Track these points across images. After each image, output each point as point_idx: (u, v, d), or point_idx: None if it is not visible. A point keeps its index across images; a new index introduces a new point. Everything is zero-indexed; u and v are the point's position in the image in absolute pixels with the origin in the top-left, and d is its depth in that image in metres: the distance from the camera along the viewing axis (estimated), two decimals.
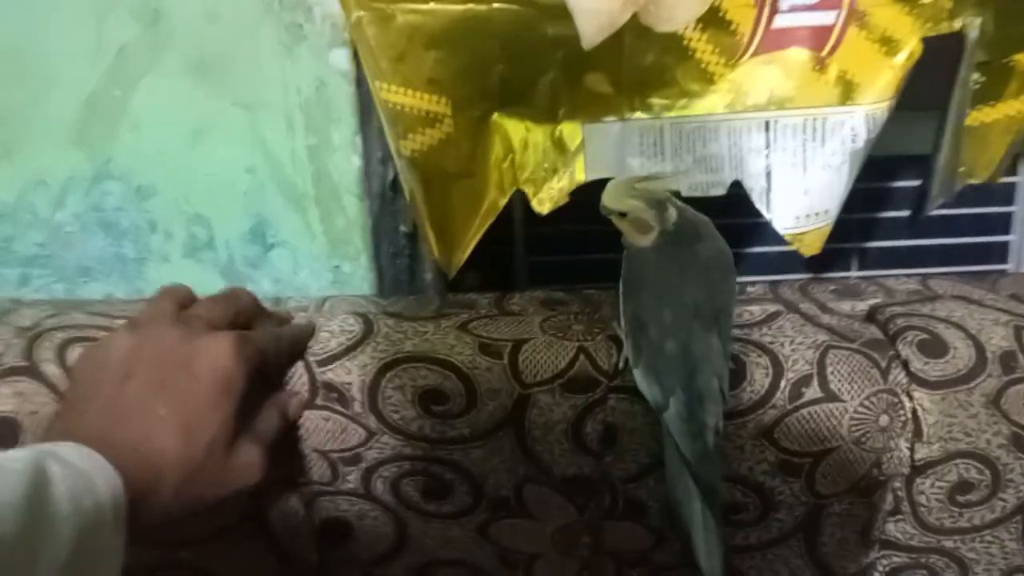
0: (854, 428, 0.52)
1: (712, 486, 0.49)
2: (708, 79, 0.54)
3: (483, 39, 0.52)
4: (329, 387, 0.51)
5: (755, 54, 0.53)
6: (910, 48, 0.53)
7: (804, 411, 0.52)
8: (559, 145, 0.56)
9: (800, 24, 0.53)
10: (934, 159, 0.57)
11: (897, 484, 0.53)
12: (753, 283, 0.60)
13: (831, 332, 0.54)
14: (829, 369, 0.52)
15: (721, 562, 0.50)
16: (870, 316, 0.56)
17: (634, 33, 0.52)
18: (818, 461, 0.53)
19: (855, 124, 0.54)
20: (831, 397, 0.52)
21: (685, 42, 0.53)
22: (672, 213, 0.48)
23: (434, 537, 0.56)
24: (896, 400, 0.52)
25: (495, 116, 0.55)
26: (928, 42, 0.52)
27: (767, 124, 0.55)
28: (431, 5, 0.51)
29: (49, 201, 0.56)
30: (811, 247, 0.57)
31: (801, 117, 0.55)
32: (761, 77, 0.54)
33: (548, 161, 0.56)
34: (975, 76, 0.53)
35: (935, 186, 0.57)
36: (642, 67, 0.53)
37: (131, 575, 0.37)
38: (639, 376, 0.49)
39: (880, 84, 0.53)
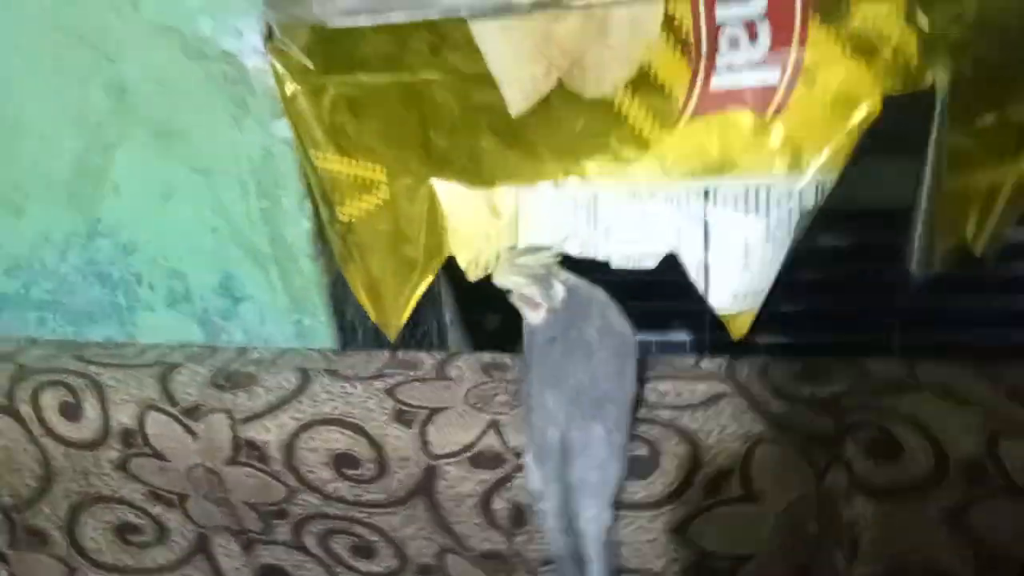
0: (776, 534, 0.46)
1: None
2: (643, 144, 0.51)
3: (413, 108, 0.52)
4: (251, 444, 0.54)
5: (693, 116, 0.49)
6: (867, 108, 0.47)
7: (721, 510, 0.47)
8: (494, 211, 0.54)
9: (741, 84, 0.48)
10: (912, 226, 0.50)
11: None
12: (711, 359, 0.55)
13: (772, 423, 0.49)
14: (755, 466, 0.47)
15: None
16: (827, 405, 0.50)
17: (562, 99, 0.51)
18: (736, 568, 0.48)
19: (803, 193, 0.49)
20: (751, 497, 0.47)
21: (616, 107, 0.50)
22: (558, 290, 0.46)
23: None
24: (830, 507, 0.46)
25: (430, 182, 0.55)
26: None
27: (706, 192, 0.51)
28: (360, 77, 0.52)
29: (54, 254, 0.63)
30: (740, 330, 0.52)
31: (743, 186, 0.50)
32: (699, 141, 0.50)
33: (482, 227, 0.55)
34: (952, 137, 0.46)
35: (916, 256, 0.50)
36: (573, 133, 0.51)
37: None
38: (527, 461, 0.47)
39: (832, 148, 0.48)
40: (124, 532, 0.59)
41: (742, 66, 0.48)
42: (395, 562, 0.56)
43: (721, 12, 0.47)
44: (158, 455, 0.55)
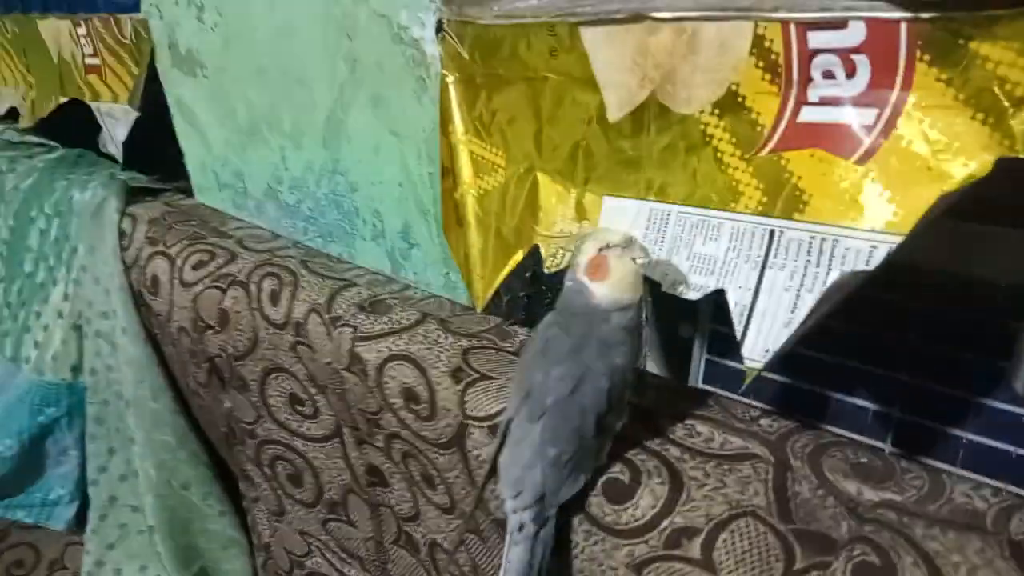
0: None
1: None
2: (722, 170, 0.47)
3: (534, 103, 0.56)
4: (358, 359, 0.65)
5: (775, 150, 0.45)
6: (971, 168, 0.37)
7: (676, 565, 0.44)
8: (580, 212, 0.56)
9: (830, 120, 0.42)
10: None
11: None
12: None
13: (775, 504, 0.43)
14: (723, 536, 0.43)
15: None
16: (857, 511, 0.42)
17: (654, 112, 0.50)
18: None
19: (872, 254, 0.41)
20: (706, 566, 0.43)
21: (702, 126, 0.48)
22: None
23: None
24: None
25: (536, 173, 0.58)
26: None
27: (771, 233, 0.45)
28: (499, 70, 0.58)
29: (313, 180, 0.81)
30: (746, 382, 0.46)
31: (809, 234, 0.44)
32: (777, 177, 0.45)
33: (566, 225, 0.57)
34: None
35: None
36: (660, 147, 0.50)
37: None
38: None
39: (919, 208, 0.39)
40: (293, 401, 0.76)
41: (835, 101, 0.42)
42: (447, 499, 0.63)
43: (814, 38, 0.41)
44: (311, 347, 0.70)
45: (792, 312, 0.44)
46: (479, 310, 0.66)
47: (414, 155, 0.68)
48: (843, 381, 0.58)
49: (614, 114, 0.52)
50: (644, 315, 0.51)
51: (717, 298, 0.55)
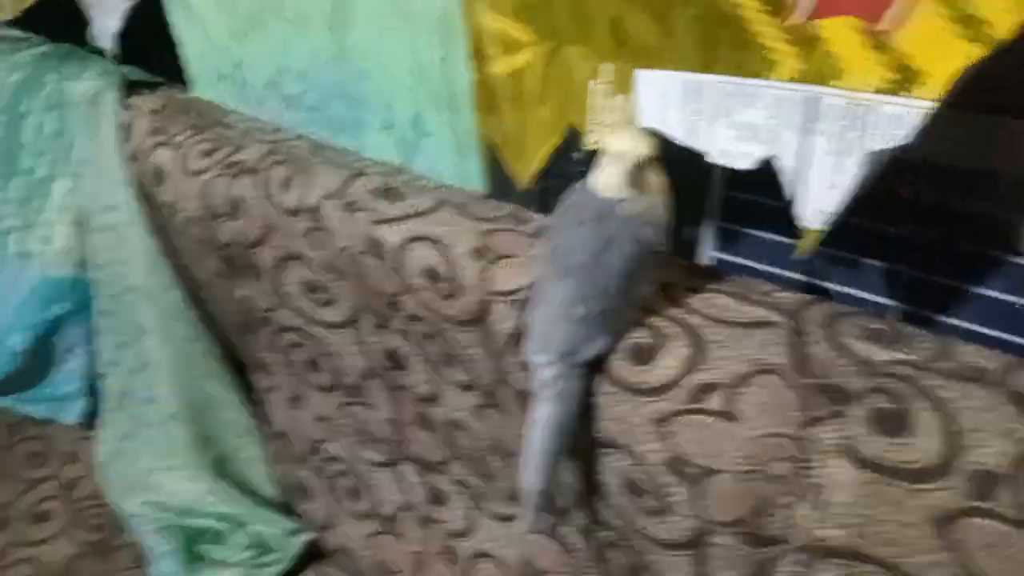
0: (742, 461, 0.45)
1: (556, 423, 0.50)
2: (754, 39, 0.48)
3: None
4: (375, 241, 0.66)
5: (805, 16, 0.45)
6: (1003, 32, 0.38)
7: (698, 416, 0.47)
8: (617, 86, 0.56)
9: None
10: None
11: (798, 557, 0.45)
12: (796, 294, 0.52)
13: (792, 362, 0.46)
14: (743, 390, 0.46)
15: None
16: (870, 367, 0.45)
17: None
18: (702, 478, 0.47)
19: (905, 122, 0.42)
20: (728, 416, 0.46)
21: None
22: (640, 183, 0.48)
23: None
24: (802, 458, 0.43)
25: (566, 49, 0.58)
26: None
27: (808, 100, 0.46)
28: None
29: (319, 69, 0.80)
30: (805, 248, 0.48)
31: (846, 100, 0.44)
32: (809, 45, 0.45)
33: (599, 99, 0.57)
34: None
35: None
36: (690, 17, 0.50)
37: None
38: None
39: (953, 76, 0.40)
40: (309, 288, 0.77)
41: None
42: (466, 377, 0.66)
43: None
44: (326, 232, 0.70)
45: (834, 175, 0.46)
46: (521, 189, 0.66)
47: (425, 39, 0.67)
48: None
49: None
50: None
51: (725, 194, 0.56)
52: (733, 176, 0.59)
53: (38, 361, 1.13)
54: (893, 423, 0.41)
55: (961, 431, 0.40)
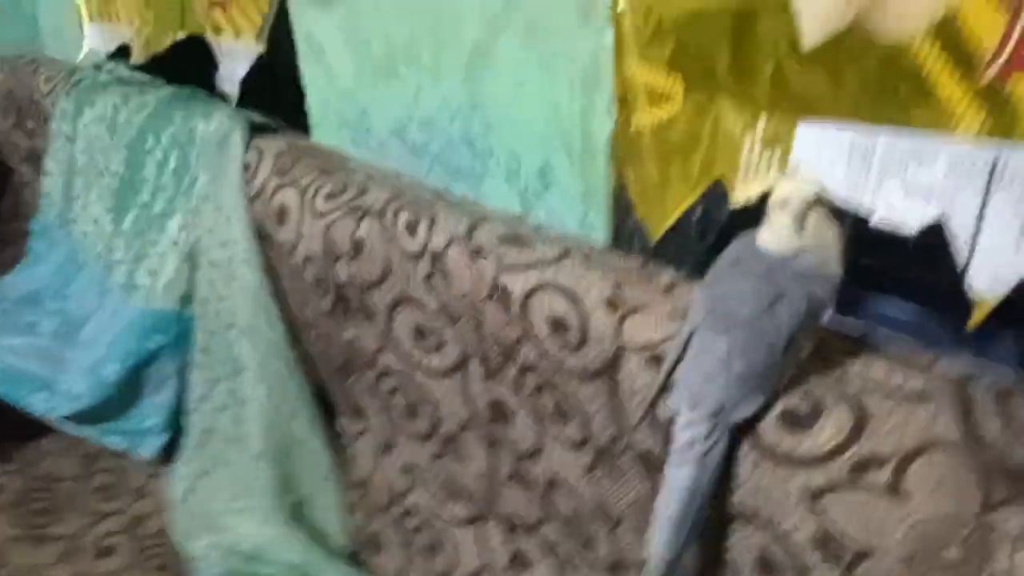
0: (908, 544, 0.41)
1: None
2: (937, 98, 0.46)
3: (717, 28, 0.56)
4: (503, 288, 0.65)
5: (999, 74, 0.43)
6: None
7: (861, 495, 0.43)
8: (771, 140, 0.55)
9: None
10: None
11: None
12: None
13: (968, 439, 0.42)
14: (913, 467, 0.42)
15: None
16: None
17: (855, 38, 0.49)
18: (857, 561, 0.43)
19: None
20: (894, 492, 0.42)
21: (912, 54, 0.46)
22: (808, 228, 0.47)
23: None
24: (981, 545, 0.39)
25: (720, 101, 0.57)
26: None
27: (995, 160, 0.44)
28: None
29: (446, 118, 0.82)
30: (978, 318, 0.44)
31: None
32: (1000, 103, 0.43)
33: (754, 153, 0.56)
34: None
35: None
36: (864, 74, 0.49)
37: None
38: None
39: None
40: (418, 334, 0.76)
41: None
42: (581, 433, 0.63)
43: None
44: (447, 277, 0.70)
45: (1019, 239, 0.43)
46: (652, 243, 0.65)
47: (565, 89, 0.68)
48: None
49: (811, 39, 0.51)
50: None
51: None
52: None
53: (129, 391, 1.14)
54: None
55: None
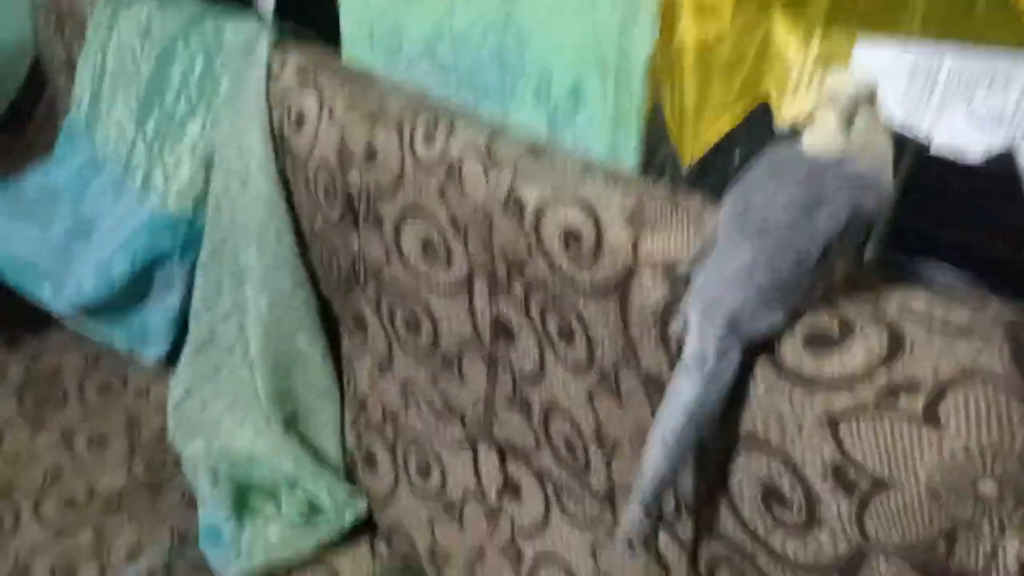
0: (938, 476, 0.39)
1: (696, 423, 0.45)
2: (1015, 11, 0.43)
3: None
4: (517, 200, 0.64)
5: None
6: None
7: (888, 417, 0.41)
8: (826, 58, 0.52)
9: None
10: None
11: None
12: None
13: (1015, 374, 0.40)
14: (952, 396, 0.40)
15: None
16: None
17: None
18: (874, 492, 0.42)
19: None
20: (933, 420, 0.40)
21: None
22: (859, 127, 0.44)
23: None
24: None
25: (772, 14, 0.54)
26: None
27: None
28: None
29: (480, 35, 0.79)
30: None
31: None
32: None
33: (805, 71, 0.53)
34: None
35: None
36: None
37: None
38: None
39: None
40: (427, 247, 0.75)
41: None
42: (583, 354, 0.62)
43: None
44: (462, 187, 0.69)
45: None
46: (686, 171, 0.63)
47: (607, 3, 0.66)
48: None
49: None
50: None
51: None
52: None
53: (135, 291, 1.14)
54: None
55: None
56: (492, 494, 0.80)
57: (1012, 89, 0.43)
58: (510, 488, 0.78)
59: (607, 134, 0.69)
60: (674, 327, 0.47)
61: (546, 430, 0.70)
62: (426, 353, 0.80)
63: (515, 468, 0.77)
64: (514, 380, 0.72)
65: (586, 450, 0.66)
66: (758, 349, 0.46)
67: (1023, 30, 0.42)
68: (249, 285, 0.99)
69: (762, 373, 0.46)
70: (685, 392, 0.45)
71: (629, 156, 0.68)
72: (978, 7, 0.44)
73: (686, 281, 0.47)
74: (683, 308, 0.47)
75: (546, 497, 0.75)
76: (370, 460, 0.94)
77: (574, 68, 0.71)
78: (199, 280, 1.06)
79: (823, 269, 0.43)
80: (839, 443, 0.43)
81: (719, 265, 0.45)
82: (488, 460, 0.79)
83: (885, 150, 0.44)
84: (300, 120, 0.87)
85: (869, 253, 0.48)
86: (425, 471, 0.87)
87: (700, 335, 0.44)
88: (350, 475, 0.99)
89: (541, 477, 0.74)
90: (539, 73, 0.74)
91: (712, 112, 0.60)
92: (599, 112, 0.70)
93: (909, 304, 0.45)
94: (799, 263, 0.43)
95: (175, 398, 1.10)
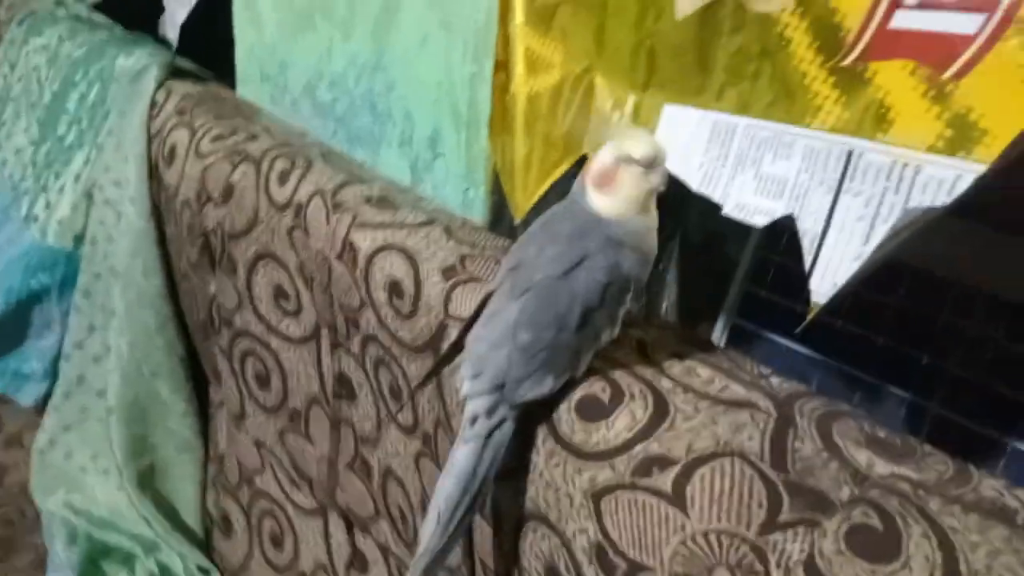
0: (679, 561, 0.35)
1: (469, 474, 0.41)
2: (800, 80, 0.42)
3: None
4: (351, 245, 0.60)
5: (860, 59, 0.39)
6: None
7: (640, 496, 0.38)
8: (637, 119, 0.50)
9: (927, 27, 0.36)
10: None
11: None
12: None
13: (769, 453, 0.37)
14: (702, 471, 0.37)
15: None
16: (864, 480, 0.35)
17: (729, 9, 0.44)
18: (630, 573, 0.38)
19: (955, 186, 0.34)
20: (679, 499, 0.36)
21: (780, 28, 0.42)
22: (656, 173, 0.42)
23: None
24: (756, 570, 0.33)
25: (594, 75, 0.53)
26: None
27: (849, 155, 0.39)
28: None
29: (353, 78, 0.77)
30: (808, 321, 0.39)
31: (890, 157, 0.37)
32: (859, 90, 0.39)
33: (618, 129, 0.51)
34: None
35: None
36: (732, 50, 0.45)
37: None
38: None
39: (1012, 134, 0.33)
40: (278, 296, 0.71)
41: (936, 5, 0.36)
42: (410, 417, 0.57)
43: None
44: (307, 231, 0.65)
45: (864, 244, 0.38)
46: (518, 221, 0.60)
47: (460, 51, 0.64)
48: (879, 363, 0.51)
49: (683, 9, 0.46)
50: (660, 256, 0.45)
51: (760, 255, 0.48)
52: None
53: (11, 332, 1.08)
54: (877, 546, 0.31)
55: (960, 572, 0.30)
56: (341, 568, 0.74)
57: (793, 160, 0.41)
58: (358, 561, 0.72)
59: (461, 184, 0.66)
60: (461, 390, 0.43)
61: (384, 496, 0.65)
62: (275, 406, 0.75)
63: (361, 539, 0.71)
64: (356, 441, 0.66)
65: (414, 521, 0.61)
66: (538, 416, 0.43)
67: (804, 109, 0.41)
68: (114, 322, 0.94)
69: (542, 442, 0.43)
70: (460, 460, 0.41)
71: (479, 208, 0.65)
72: (773, 86, 0.43)
73: (460, 341, 0.44)
74: (461, 369, 0.43)
75: (390, 573, 0.69)
76: (226, 524, 0.88)
77: (433, 116, 0.68)
78: (72, 319, 1.00)
79: (586, 332, 0.41)
80: (600, 521, 0.39)
81: (489, 324, 0.42)
82: (337, 530, 0.73)
83: (654, 217, 0.43)
84: (172, 154, 0.83)
85: (636, 315, 0.46)
86: (278, 541, 0.80)
87: (472, 398, 0.41)
88: (208, 537, 0.92)
89: (385, 552, 0.68)
90: (403, 119, 0.72)
91: (539, 165, 0.57)
92: (453, 162, 0.67)
93: (691, 375, 0.42)
94: (560, 322, 0.40)
95: (39, 445, 1.02)
